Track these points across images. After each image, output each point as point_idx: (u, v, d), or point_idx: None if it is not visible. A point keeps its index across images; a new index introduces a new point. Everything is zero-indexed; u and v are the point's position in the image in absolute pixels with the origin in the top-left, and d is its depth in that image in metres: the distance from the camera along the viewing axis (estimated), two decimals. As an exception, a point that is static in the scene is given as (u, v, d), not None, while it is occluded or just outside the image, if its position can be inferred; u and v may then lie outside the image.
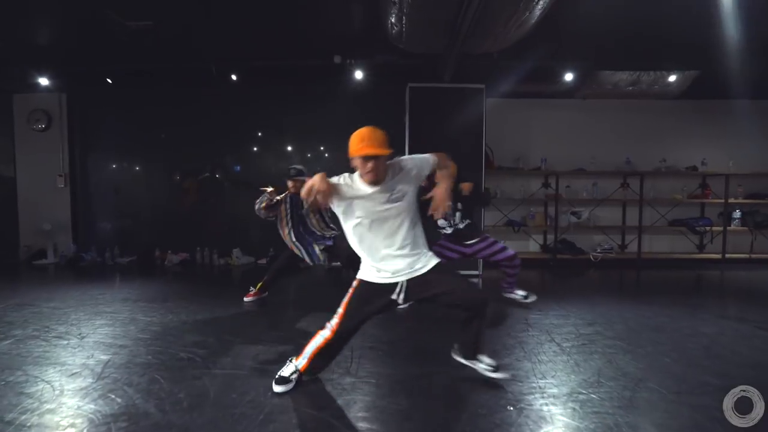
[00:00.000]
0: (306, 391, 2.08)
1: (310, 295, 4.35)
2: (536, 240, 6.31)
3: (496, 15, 3.43)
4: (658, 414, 1.88)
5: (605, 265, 5.82)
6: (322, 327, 2.10)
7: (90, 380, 2.16)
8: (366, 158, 1.89)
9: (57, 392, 2.03)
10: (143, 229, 6.16)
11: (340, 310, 2.06)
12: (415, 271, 2.02)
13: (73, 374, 2.23)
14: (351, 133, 1.97)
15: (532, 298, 3.72)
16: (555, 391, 2.09)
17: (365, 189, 1.97)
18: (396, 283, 2.02)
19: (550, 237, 6.18)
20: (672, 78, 5.44)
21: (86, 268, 5.53)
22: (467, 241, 3.61)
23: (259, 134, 6.16)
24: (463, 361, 2.23)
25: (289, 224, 3.64)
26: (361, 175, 1.96)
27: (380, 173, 1.93)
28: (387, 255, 2.00)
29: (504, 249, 3.66)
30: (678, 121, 6.14)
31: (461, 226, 3.56)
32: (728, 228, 5.99)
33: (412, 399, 2.02)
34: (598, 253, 5.97)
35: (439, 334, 2.99)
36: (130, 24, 3.79)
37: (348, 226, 2.04)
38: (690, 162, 6.08)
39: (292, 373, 2.09)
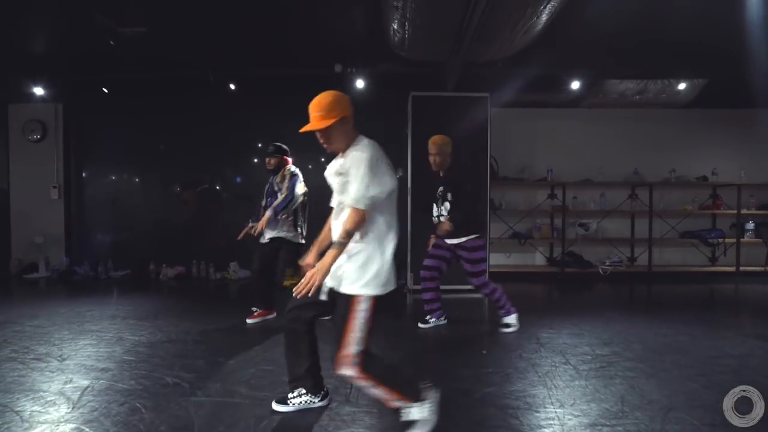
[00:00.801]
0: (300, 424, 1.88)
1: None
2: (542, 253, 6.12)
3: (503, 19, 3.32)
4: (695, 451, 1.68)
5: (615, 279, 5.62)
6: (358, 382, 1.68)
7: (65, 410, 1.97)
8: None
9: (26, 425, 1.83)
10: (138, 242, 5.99)
11: (357, 345, 1.66)
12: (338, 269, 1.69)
13: (46, 403, 2.03)
14: None
15: (511, 329, 3.28)
16: (575, 422, 1.89)
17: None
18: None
19: (557, 250, 6.00)
20: (681, 86, 5.32)
21: (78, 283, 5.36)
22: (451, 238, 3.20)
23: (256, 142, 6.03)
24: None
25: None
26: None
27: (332, 143, 1.77)
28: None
29: (480, 273, 3.25)
30: (687, 130, 6.00)
31: (442, 217, 3.18)
32: (742, 240, 5.80)
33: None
34: (607, 266, 5.77)
35: (442, 357, 2.79)
36: (124, 30, 3.68)
37: None
38: (700, 172, 5.92)
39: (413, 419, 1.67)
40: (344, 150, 1.78)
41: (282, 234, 3.41)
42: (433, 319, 3.42)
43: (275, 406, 1.95)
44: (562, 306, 4.38)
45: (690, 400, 2.10)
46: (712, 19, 3.95)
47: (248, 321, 3.46)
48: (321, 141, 1.77)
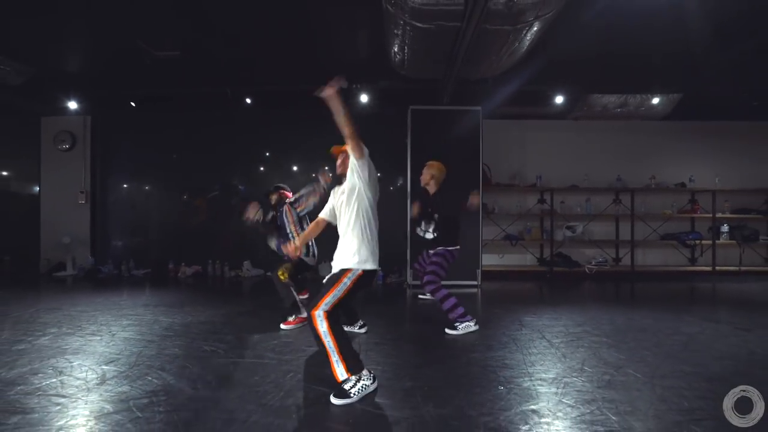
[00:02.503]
0: (320, 373, 2.33)
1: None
2: (533, 253, 6.57)
3: (488, 45, 3.82)
4: (632, 392, 2.12)
5: (600, 278, 6.06)
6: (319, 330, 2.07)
7: (127, 366, 2.42)
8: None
9: (99, 375, 2.29)
10: (157, 244, 6.47)
11: (339, 298, 2.14)
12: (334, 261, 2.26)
13: (111, 361, 2.49)
14: None
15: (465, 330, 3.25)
16: (542, 375, 2.34)
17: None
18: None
19: (546, 251, 6.45)
20: (656, 100, 5.83)
21: (103, 280, 5.81)
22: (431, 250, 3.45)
23: (267, 153, 6.54)
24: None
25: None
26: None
27: (343, 168, 2.37)
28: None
29: (432, 281, 3.27)
30: (666, 140, 6.50)
31: (428, 236, 3.41)
32: (717, 242, 6.25)
33: (415, 381, 2.27)
34: (593, 265, 6.21)
35: (436, 331, 3.23)
36: (159, 54, 4.20)
37: None
38: (678, 179, 6.40)
39: (351, 387, 2.03)
40: (343, 174, 2.37)
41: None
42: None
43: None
44: (547, 299, 4.80)
45: (639, 362, 2.55)
46: (682, 40, 4.44)
47: (282, 327, 3.31)
48: (339, 162, 2.41)
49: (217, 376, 2.28)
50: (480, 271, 5.33)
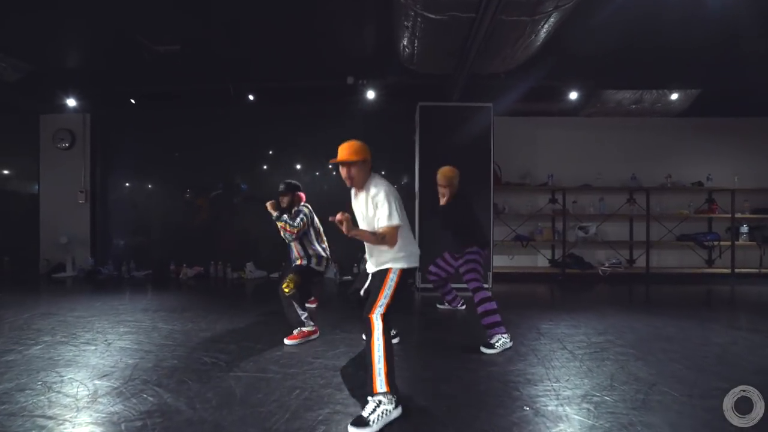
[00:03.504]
0: (328, 395, 2.16)
1: (325, 308, 4.44)
2: (544, 255, 6.37)
3: (503, 38, 3.62)
4: (672, 415, 1.93)
5: (614, 280, 5.86)
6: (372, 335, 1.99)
7: (121, 381, 2.25)
8: (339, 164, 2.18)
9: (91, 391, 2.12)
10: (158, 244, 6.33)
11: (386, 303, 2.09)
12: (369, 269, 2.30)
13: (104, 375, 2.32)
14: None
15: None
16: (569, 393, 2.15)
17: (353, 193, 2.32)
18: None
19: (558, 252, 6.25)
20: (674, 96, 5.60)
21: (104, 282, 5.67)
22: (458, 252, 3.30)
23: (270, 151, 6.37)
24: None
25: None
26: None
27: (352, 179, 2.19)
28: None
29: (474, 279, 3.05)
30: (682, 137, 6.28)
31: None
32: (736, 243, 6.03)
33: (432, 400, 2.09)
34: (607, 267, 6.01)
35: (449, 339, 3.05)
36: (159, 48, 4.03)
37: None
38: (695, 178, 6.18)
39: (377, 415, 1.82)
40: (361, 186, 2.22)
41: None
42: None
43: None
44: (562, 303, 4.62)
45: (672, 377, 2.36)
46: (702, 33, 4.23)
47: (286, 341, 2.97)
48: (344, 175, 2.18)
49: (217, 394, 2.11)
50: (491, 273, 5.14)
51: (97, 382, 2.25)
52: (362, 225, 2.28)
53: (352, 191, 2.31)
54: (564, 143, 6.32)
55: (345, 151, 2.16)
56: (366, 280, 2.30)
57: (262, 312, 3.87)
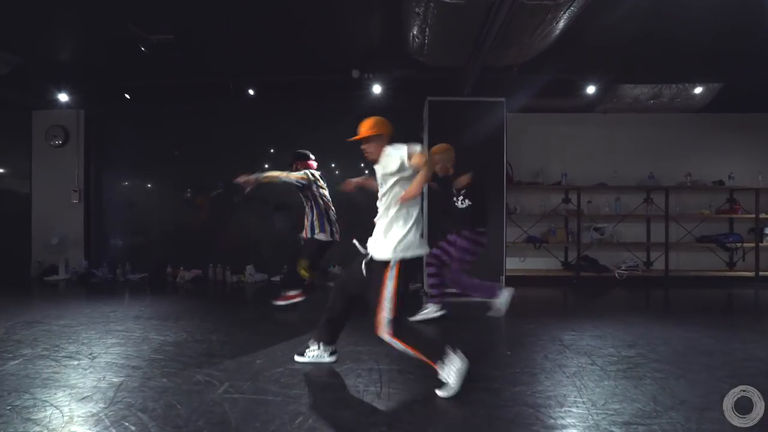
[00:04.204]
0: (337, 416, 1.90)
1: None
2: (557, 257, 6.10)
3: (523, 25, 3.35)
4: (734, 450, 1.67)
5: (631, 284, 5.59)
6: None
7: (102, 405, 2.00)
8: (359, 142, 2.33)
9: (66, 418, 1.87)
10: (155, 246, 6.08)
11: (393, 303, 2.14)
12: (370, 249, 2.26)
13: (83, 398, 2.07)
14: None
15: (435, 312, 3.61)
16: (608, 421, 1.89)
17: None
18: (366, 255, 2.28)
19: (572, 254, 5.98)
20: (698, 90, 5.31)
21: (97, 285, 5.43)
22: (465, 229, 3.45)
23: (272, 149, 6.11)
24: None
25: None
26: None
27: (370, 154, 2.32)
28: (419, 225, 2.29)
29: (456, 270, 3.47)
30: (702, 134, 5.99)
31: (462, 205, 3.47)
32: (760, 244, 5.74)
33: (453, 430, 1.83)
34: (623, 270, 5.74)
35: (473, 357, 2.79)
36: (152, 38, 3.78)
37: None
38: (716, 176, 5.89)
39: (447, 372, 2.10)
40: (377, 158, 2.30)
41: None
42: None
43: (296, 358, 2.46)
44: (581, 309, 4.36)
45: (723, 401, 2.09)
46: (728, 23, 3.96)
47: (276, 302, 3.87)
48: (363, 147, 2.34)
49: (209, 422, 1.85)
50: (504, 277, 4.87)
51: (74, 405, 1.99)
52: (385, 198, 2.26)
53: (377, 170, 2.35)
54: (578, 140, 6.05)
55: (362, 127, 2.31)
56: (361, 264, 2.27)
57: (262, 320, 3.61)
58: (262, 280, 5.74)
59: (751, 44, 4.33)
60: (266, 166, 6.14)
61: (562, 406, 2.04)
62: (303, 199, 3.89)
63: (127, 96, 5.49)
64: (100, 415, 1.90)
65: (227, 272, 5.76)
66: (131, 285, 5.42)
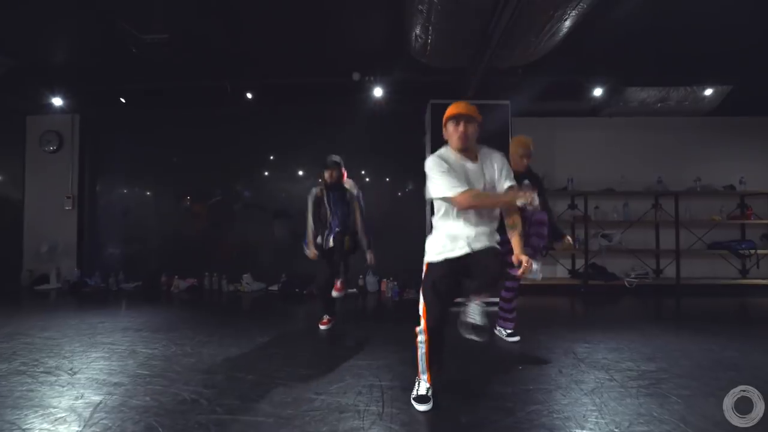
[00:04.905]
0: (332, 445, 1.71)
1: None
2: (564, 265, 5.91)
3: (530, 21, 3.22)
4: (783, 481, 1.48)
5: (641, 292, 5.39)
6: (415, 335, 2.08)
7: (76, 428, 1.82)
8: (458, 118, 2.05)
9: (34, 444, 1.69)
10: (150, 254, 5.90)
11: (421, 306, 2.06)
12: (481, 243, 2.04)
13: (56, 420, 1.88)
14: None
15: (515, 338, 3.22)
16: (638, 446, 1.70)
17: (454, 158, 2.08)
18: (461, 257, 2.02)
19: (579, 261, 5.79)
20: (707, 92, 5.17)
21: (89, 294, 5.24)
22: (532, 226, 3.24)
23: (272, 155, 5.98)
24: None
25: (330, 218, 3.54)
26: (452, 140, 2.08)
27: (470, 139, 2.05)
28: (467, 226, 2.06)
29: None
30: (711, 138, 5.84)
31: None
32: (774, 251, 5.55)
33: (464, 456, 1.65)
34: (633, 279, 5.55)
35: (478, 373, 2.60)
36: (146, 37, 3.65)
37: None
38: (727, 181, 5.73)
39: (427, 390, 2.07)
40: (469, 148, 2.09)
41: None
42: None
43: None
44: (591, 319, 4.16)
45: (761, 422, 1.89)
46: (737, 24, 3.84)
47: (321, 327, 3.56)
48: (461, 131, 2.04)
49: (192, 448, 1.67)
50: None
51: (45, 427, 1.81)
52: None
53: (449, 156, 2.09)
54: (584, 145, 5.90)
55: (467, 107, 2.07)
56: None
57: (258, 332, 3.42)
58: (260, 290, 5.55)
59: (761, 45, 4.20)
60: (266, 174, 6.00)
61: (582, 428, 1.85)
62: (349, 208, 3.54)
63: (123, 100, 5.36)
64: (72, 439, 1.72)
65: (224, 281, 5.58)
66: (124, 295, 5.24)
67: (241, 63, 4.64)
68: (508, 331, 3.27)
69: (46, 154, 5.90)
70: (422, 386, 2.07)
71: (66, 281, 5.60)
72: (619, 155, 5.87)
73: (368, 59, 4.62)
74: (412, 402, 2.03)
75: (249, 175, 5.97)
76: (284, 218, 5.68)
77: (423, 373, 2.08)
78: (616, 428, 1.84)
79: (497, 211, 2.13)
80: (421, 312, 2.05)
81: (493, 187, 2.09)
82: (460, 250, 2.01)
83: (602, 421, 1.91)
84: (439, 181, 1.99)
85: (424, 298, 2.04)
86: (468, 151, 2.08)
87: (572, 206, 5.80)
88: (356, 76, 4.80)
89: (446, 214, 2.09)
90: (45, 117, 5.84)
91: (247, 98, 5.22)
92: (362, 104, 5.31)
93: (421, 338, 2.04)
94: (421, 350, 2.05)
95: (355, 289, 5.36)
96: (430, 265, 2.07)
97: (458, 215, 2.05)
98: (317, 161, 5.78)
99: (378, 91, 5.00)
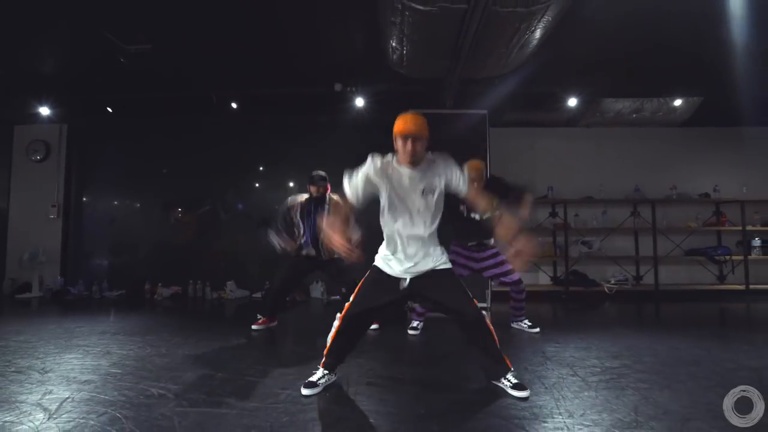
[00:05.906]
0: (291, 433, 1.76)
1: (304, 327, 4.03)
2: (546, 272, 6.00)
3: (498, 33, 3.37)
4: (718, 461, 1.54)
5: (621, 298, 5.47)
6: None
7: (41, 420, 1.84)
8: (405, 137, 2.03)
9: (-4, 434, 1.71)
10: (134, 262, 5.91)
11: (351, 297, 2.19)
12: (422, 267, 2.15)
13: (22, 413, 1.91)
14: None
15: (536, 329, 3.60)
16: (588, 430, 1.76)
17: (401, 170, 2.12)
18: (402, 279, 2.16)
19: (560, 268, 5.88)
20: (677, 103, 5.37)
21: (71, 302, 5.23)
22: (486, 239, 3.49)
23: (260, 165, 6.07)
24: (494, 383, 2.24)
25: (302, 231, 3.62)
26: (400, 155, 2.10)
27: (417, 156, 2.06)
28: (400, 244, 2.14)
29: (511, 271, 3.52)
30: (686, 147, 6.02)
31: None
32: (749, 257, 5.68)
33: (417, 442, 1.69)
34: (613, 284, 5.64)
35: (446, 369, 2.66)
36: (129, 48, 3.77)
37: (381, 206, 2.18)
38: (702, 189, 5.89)
39: (319, 378, 2.17)
40: (417, 162, 2.10)
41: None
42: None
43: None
44: (567, 323, 4.22)
45: (709, 411, 1.96)
46: (705, 38, 4.03)
47: (253, 327, 3.65)
48: (409, 149, 2.04)
49: (152, 436, 1.71)
50: (490, 291, 4.75)
51: (10, 418, 1.84)
52: (416, 202, 2.12)
53: (395, 167, 2.15)
54: (564, 154, 6.05)
55: (416, 123, 2.04)
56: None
57: (236, 335, 3.45)
58: (244, 297, 5.57)
59: (727, 59, 4.39)
60: (255, 180, 6.08)
61: (537, 417, 1.91)
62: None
63: (109, 109, 5.45)
64: (36, 430, 1.75)
65: (207, 289, 5.59)
66: (106, 303, 5.23)
67: (224, 73, 4.76)
68: (529, 323, 3.64)
69: (33, 163, 5.95)
70: (318, 374, 2.20)
71: (48, 289, 5.59)
72: (598, 164, 6.03)
73: (350, 70, 4.77)
74: (302, 387, 2.14)
75: (235, 183, 6.05)
76: (270, 226, 5.73)
77: (322, 358, 2.24)
78: (570, 417, 1.90)
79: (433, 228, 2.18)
80: (348, 302, 2.22)
81: (432, 192, 2.12)
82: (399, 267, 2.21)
83: (557, 410, 1.97)
84: (353, 178, 2.14)
85: (358, 291, 2.21)
86: (415, 164, 2.12)
87: (553, 214, 5.92)
88: (338, 87, 4.94)
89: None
90: (33, 126, 5.91)
91: (233, 108, 5.33)
92: (345, 113, 5.43)
93: (336, 323, 2.26)
94: (330, 334, 2.27)
95: (338, 296, 5.39)
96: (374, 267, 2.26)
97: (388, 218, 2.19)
98: (302, 170, 5.92)
99: (360, 101, 5.14)
